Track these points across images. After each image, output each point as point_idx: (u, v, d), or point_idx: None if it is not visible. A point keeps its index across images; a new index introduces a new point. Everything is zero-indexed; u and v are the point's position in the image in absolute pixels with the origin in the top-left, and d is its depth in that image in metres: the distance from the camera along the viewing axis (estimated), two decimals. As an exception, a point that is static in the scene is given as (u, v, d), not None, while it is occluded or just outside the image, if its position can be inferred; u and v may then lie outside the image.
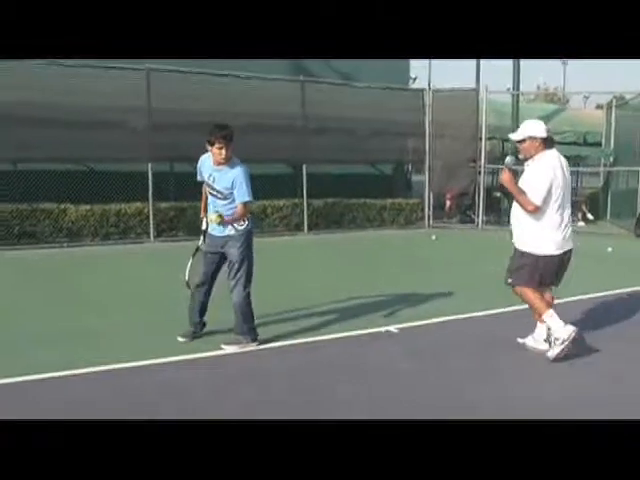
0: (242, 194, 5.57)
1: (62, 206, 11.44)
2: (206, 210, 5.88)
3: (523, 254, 5.55)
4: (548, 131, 5.61)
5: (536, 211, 5.38)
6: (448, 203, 16.26)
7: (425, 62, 27.65)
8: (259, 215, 12.99)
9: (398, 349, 5.83)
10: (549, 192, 5.37)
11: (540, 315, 5.54)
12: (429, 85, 19.41)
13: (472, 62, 23.32)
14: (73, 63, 10.46)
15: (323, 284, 8.54)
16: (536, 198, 5.34)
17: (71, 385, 4.83)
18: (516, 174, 5.61)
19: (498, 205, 15.86)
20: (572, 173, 18.41)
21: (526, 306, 5.76)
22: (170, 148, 11.97)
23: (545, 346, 5.61)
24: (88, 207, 11.66)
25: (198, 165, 5.82)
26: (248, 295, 5.72)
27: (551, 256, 5.47)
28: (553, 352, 5.41)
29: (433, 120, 15.08)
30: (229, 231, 5.66)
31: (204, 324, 6.01)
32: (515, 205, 5.61)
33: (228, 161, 5.56)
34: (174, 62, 11.44)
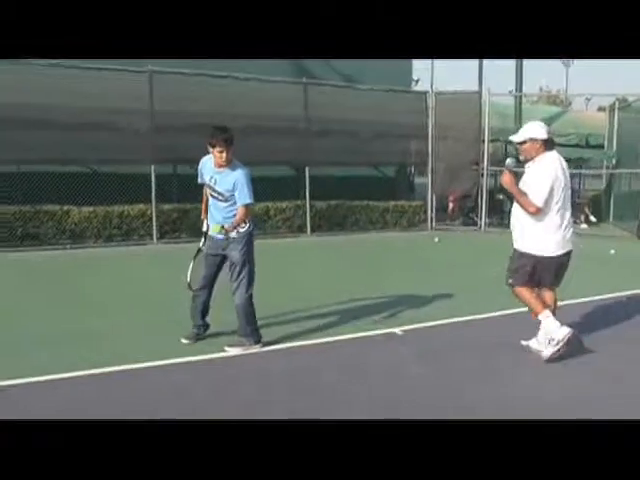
0: (243, 196, 5.58)
1: (65, 208, 11.46)
2: (207, 212, 5.89)
3: (523, 254, 5.57)
4: (549, 133, 5.62)
5: (538, 212, 5.39)
6: (451, 205, 16.22)
7: (427, 64, 27.68)
8: (262, 217, 13.01)
9: (404, 351, 5.83)
10: (550, 193, 5.38)
11: (536, 315, 5.55)
12: (432, 87, 19.41)
13: (474, 65, 23.32)
14: (75, 64, 10.50)
15: (326, 286, 8.54)
16: (538, 199, 5.36)
17: (76, 387, 4.83)
18: (516, 176, 5.61)
19: (501, 207, 15.82)
20: (575, 175, 18.27)
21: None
22: (173, 150, 11.98)
23: (549, 347, 5.62)
24: (91, 209, 11.68)
25: (199, 167, 5.82)
26: (250, 297, 5.72)
27: (551, 257, 5.49)
28: (547, 352, 5.46)
29: (436, 122, 15.08)
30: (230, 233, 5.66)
31: (207, 326, 6.01)
32: (515, 206, 5.63)
33: (229, 164, 5.56)
34: (176, 64, 11.47)
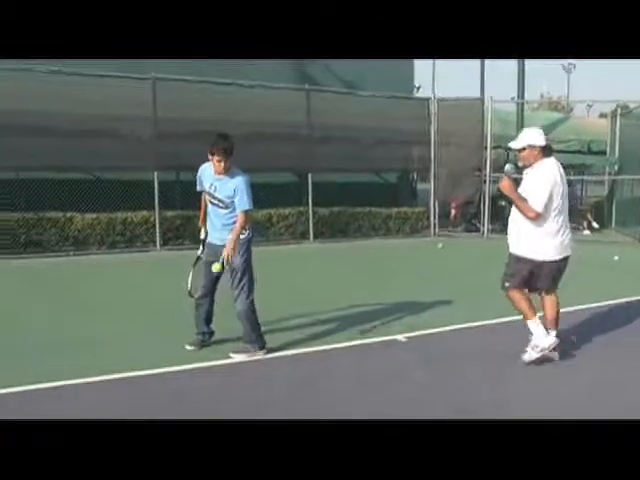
0: (243, 203, 5.59)
1: (68, 215, 11.47)
2: (205, 220, 5.90)
3: (520, 259, 5.61)
4: (547, 139, 5.66)
5: (537, 218, 5.43)
6: (453, 212, 16.22)
7: (429, 71, 27.71)
8: (265, 224, 13.02)
9: (407, 358, 5.82)
10: (550, 199, 5.43)
11: (526, 320, 5.62)
12: (433, 93, 19.44)
13: (476, 71, 23.36)
14: (77, 71, 10.56)
15: (329, 292, 8.52)
16: (537, 205, 5.40)
17: (79, 394, 4.82)
18: (515, 182, 5.63)
19: (503, 214, 15.81)
20: (577, 182, 18.27)
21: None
22: (176, 157, 12.00)
23: (554, 354, 5.66)
24: (94, 216, 11.69)
25: (198, 174, 5.83)
26: (252, 303, 5.71)
27: (549, 262, 5.55)
28: (530, 357, 5.57)
29: (438, 129, 15.09)
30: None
31: (212, 333, 6.01)
32: (514, 211, 5.67)
33: (228, 171, 5.58)
34: (180, 71, 11.53)
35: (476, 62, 24.37)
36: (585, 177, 18.73)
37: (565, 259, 5.61)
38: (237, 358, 5.66)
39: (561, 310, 5.83)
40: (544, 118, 20.00)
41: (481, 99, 16.21)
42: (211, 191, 5.68)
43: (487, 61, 23.14)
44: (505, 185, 5.54)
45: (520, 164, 5.72)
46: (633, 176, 15.50)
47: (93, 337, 6.23)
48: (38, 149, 11.01)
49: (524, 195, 5.48)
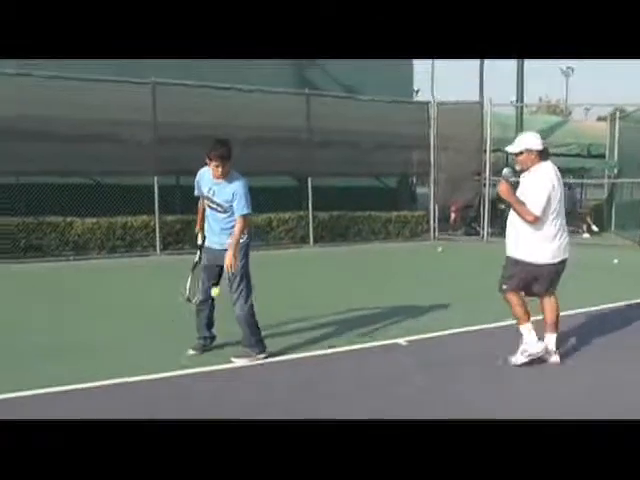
0: (241, 207, 5.58)
1: (68, 219, 11.49)
2: (202, 225, 5.90)
3: (518, 262, 5.62)
4: (544, 143, 5.68)
5: (535, 221, 5.45)
6: (453, 215, 16.23)
7: (427, 74, 27.61)
8: (264, 228, 13.04)
9: (407, 362, 5.80)
10: (548, 202, 5.45)
11: (519, 324, 5.64)
12: (433, 97, 19.47)
13: (475, 74, 23.36)
14: (76, 75, 10.59)
15: (329, 296, 8.51)
16: (536, 208, 5.42)
17: (81, 398, 4.80)
18: (513, 185, 5.65)
19: (503, 217, 15.81)
20: (576, 185, 18.26)
21: (536, 317, 5.77)
22: (176, 161, 12.00)
23: (555, 357, 5.69)
24: (94, 220, 11.70)
25: (196, 179, 5.83)
26: (251, 307, 5.71)
27: (547, 265, 5.56)
28: (517, 360, 5.60)
29: (438, 133, 15.10)
30: (228, 245, 5.61)
31: (214, 337, 6.00)
32: (512, 214, 5.68)
33: (226, 176, 5.58)
34: (180, 76, 11.55)
35: (474, 64, 24.40)
36: (585, 180, 18.73)
37: (563, 262, 5.63)
38: (238, 362, 5.65)
39: (561, 313, 5.84)
40: (543, 121, 20.04)
41: (480, 103, 16.24)
42: (210, 195, 5.68)
43: (486, 63, 23.19)
44: (503, 189, 5.56)
45: (517, 168, 5.75)
46: (632, 179, 15.53)
47: (93, 342, 6.23)
48: (38, 154, 11.02)
49: (522, 199, 5.50)
